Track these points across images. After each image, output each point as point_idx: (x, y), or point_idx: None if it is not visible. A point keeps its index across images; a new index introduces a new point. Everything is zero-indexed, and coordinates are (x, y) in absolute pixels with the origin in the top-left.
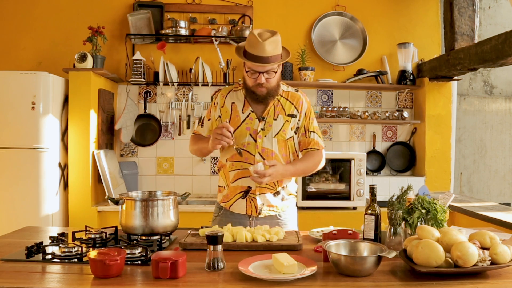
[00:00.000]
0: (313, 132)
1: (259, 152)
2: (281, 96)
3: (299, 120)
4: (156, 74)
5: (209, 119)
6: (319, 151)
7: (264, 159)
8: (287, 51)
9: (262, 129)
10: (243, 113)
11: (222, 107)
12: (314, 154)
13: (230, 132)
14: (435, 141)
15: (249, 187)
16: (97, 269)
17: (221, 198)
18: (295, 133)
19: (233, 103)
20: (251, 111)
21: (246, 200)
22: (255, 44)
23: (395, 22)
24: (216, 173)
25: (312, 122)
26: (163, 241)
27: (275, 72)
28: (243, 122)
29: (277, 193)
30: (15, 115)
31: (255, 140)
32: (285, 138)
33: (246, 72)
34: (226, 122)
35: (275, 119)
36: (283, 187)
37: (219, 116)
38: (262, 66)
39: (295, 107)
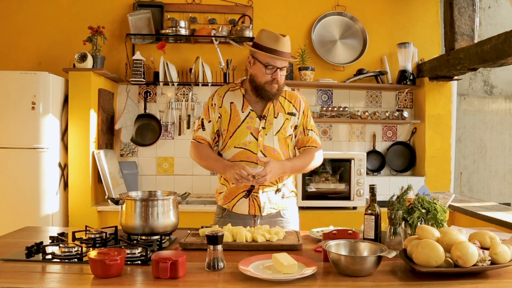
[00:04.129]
0: (311, 130)
1: (261, 151)
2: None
3: (298, 119)
4: (156, 74)
5: (209, 121)
6: (317, 149)
7: (266, 156)
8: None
9: (263, 128)
10: (242, 112)
11: (221, 107)
12: (312, 152)
13: (251, 174)
14: (435, 141)
15: (252, 186)
16: (97, 269)
17: (222, 201)
18: (293, 131)
19: (231, 102)
20: (250, 110)
21: (249, 199)
22: (276, 39)
23: (395, 22)
24: (216, 173)
25: (310, 121)
26: (163, 241)
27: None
28: (243, 121)
29: (278, 191)
30: (15, 115)
31: (257, 139)
32: (286, 135)
33: (266, 66)
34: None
35: (276, 117)
36: (284, 184)
37: (219, 117)
38: (281, 61)
39: (293, 106)
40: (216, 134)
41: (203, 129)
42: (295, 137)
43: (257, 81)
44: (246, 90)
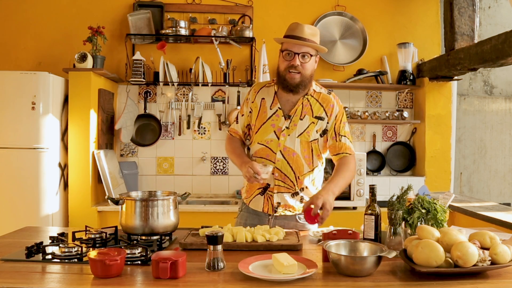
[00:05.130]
0: (344, 136)
1: (280, 151)
2: (311, 96)
3: (327, 123)
4: (156, 74)
5: (242, 115)
6: (351, 157)
7: (284, 158)
8: (324, 49)
9: (287, 128)
10: (270, 109)
11: (253, 102)
12: (348, 162)
13: (259, 173)
14: (435, 141)
15: (268, 185)
16: (97, 269)
17: (244, 195)
18: (321, 136)
19: (263, 98)
20: (279, 107)
21: (264, 197)
22: (295, 26)
23: (395, 22)
24: (216, 173)
25: (344, 127)
26: (163, 241)
27: (310, 57)
28: (269, 118)
29: (295, 194)
30: (15, 115)
31: (278, 138)
32: (309, 139)
33: (282, 52)
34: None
35: (301, 119)
36: (302, 189)
37: (250, 112)
38: (298, 46)
39: (324, 110)
40: (247, 128)
41: (237, 122)
42: (327, 141)
43: (279, 70)
44: (279, 88)
